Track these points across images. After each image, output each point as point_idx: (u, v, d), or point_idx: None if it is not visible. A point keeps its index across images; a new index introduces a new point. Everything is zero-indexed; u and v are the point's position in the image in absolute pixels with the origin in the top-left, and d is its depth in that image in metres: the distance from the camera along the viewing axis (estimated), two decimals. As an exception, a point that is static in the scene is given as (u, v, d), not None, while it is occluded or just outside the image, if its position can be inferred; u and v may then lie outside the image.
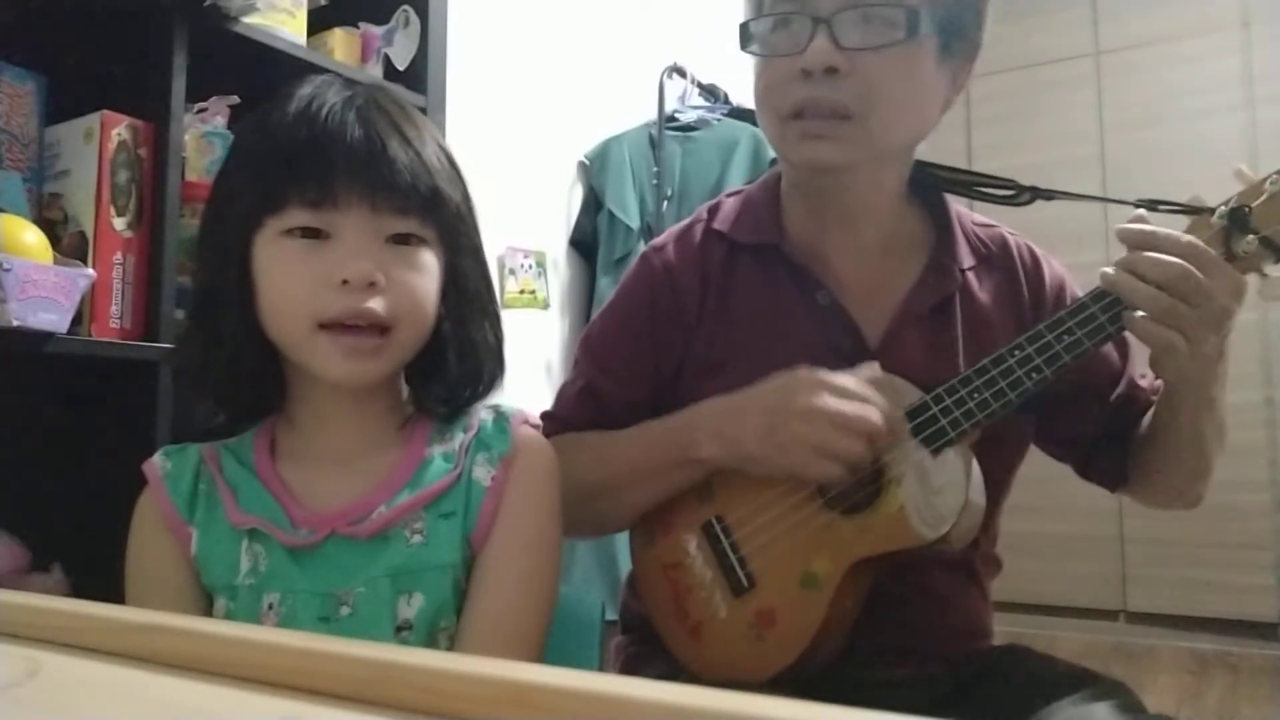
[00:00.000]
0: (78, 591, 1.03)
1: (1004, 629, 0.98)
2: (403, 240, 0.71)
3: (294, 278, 0.69)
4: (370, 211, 0.69)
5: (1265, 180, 0.75)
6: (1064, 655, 0.92)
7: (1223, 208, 0.77)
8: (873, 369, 0.82)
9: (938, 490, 0.77)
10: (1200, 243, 0.74)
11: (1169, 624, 3.07)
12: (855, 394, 0.77)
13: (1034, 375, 0.78)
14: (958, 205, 0.96)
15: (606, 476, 0.89)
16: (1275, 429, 2.98)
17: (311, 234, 0.69)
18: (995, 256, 0.95)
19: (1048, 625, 3.16)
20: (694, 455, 0.84)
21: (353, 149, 0.68)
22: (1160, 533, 3.07)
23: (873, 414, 0.76)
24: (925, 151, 0.92)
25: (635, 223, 2.45)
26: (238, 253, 0.71)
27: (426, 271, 0.73)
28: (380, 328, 0.70)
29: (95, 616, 0.40)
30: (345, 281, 0.68)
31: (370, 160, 0.69)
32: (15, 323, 0.91)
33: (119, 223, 1.06)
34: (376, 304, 0.69)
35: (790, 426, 0.77)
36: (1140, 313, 0.76)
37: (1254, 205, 0.75)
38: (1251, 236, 0.74)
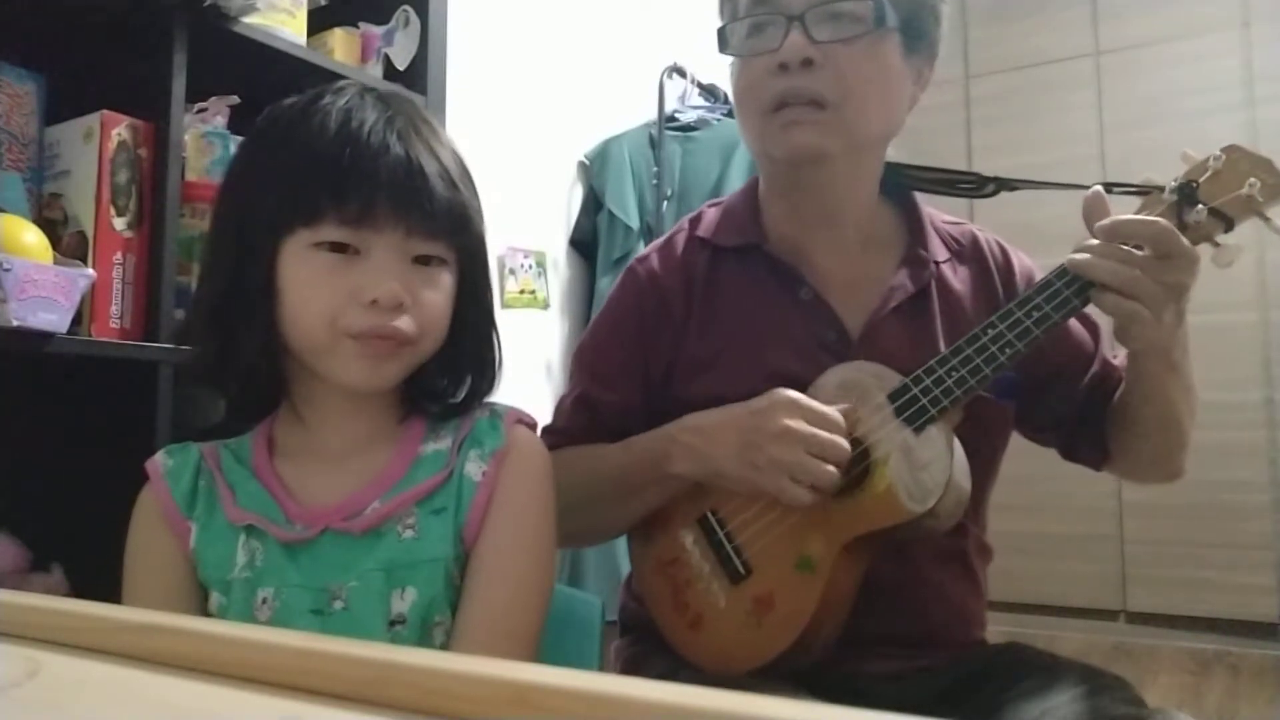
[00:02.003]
0: (78, 591, 1.03)
1: (1004, 629, 0.98)
2: (425, 261, 0.73)
3: (322, 293, 0.70)
4: (404, 234, 0.71)
5: (1208, 159, 0.81)
6: (1064, 655, 0.92)
7: (1172, 183, 0.82)
8: (847, 370, 0.85)
9: (923, 466, 0.79)
10: (1164, 222, 0.78)
11: (1169, 624, 3.07)
12: (829, 420, 0.79)
13: (1006, 350, 0.80)
14: (927, 207, 1.01)
15: (593, 493, 0.92)
16: (1275, 429, 2.97)
17: (340, 249, 0.70)
18: (966, 251, 0.99)
19: (1048, 625, 3.16)
20: (668, 470, 0.87)
21: (394, 172, 0.70)
22: (1160, 533, 3.07)
23: (844, 443, 0.78)
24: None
25: (635, 223, 2.45)
26: (264, 258, 0.71)
27: (445, 291, 0.75)
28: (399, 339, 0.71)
29: (95, 616, 0.40)
30: (374, 301, 0.69)
31: (410, 185, 0.70)
32: (15, 323, 0.91)
33: (119, 223, 1.06)
34: (402, 323, 0.71)
35: (765, 448, 0.79)
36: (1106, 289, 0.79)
37: (1200, 181, 0.81)
38: (1201, 206, 0.80)
